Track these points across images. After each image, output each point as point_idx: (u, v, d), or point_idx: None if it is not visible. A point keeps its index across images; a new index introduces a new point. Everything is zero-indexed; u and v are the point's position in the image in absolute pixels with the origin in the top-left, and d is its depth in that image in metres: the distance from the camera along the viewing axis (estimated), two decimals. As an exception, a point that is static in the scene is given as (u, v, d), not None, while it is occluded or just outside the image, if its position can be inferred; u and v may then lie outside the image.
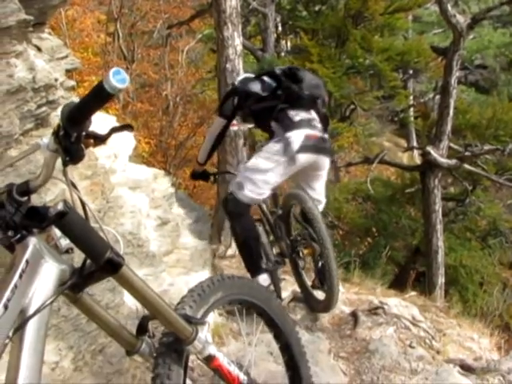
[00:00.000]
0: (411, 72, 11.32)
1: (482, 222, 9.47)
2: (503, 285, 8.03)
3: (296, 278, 3.45)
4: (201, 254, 3.46)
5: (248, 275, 3.04)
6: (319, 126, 3.10)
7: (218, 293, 1.54)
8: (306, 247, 3.21)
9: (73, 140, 1.13)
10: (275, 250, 3.35)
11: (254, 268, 3.04)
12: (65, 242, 1.21)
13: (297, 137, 2.95)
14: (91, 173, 2.45)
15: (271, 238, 3.40)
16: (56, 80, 2.38)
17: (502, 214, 9.48)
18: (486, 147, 8.02)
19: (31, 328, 1.06)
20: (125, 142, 3.42)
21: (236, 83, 3.45)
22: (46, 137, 1.18)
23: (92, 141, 1.20)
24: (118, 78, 1.05)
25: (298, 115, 3.04)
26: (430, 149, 7.70)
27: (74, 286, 1.20)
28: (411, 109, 13.50)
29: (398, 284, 7.44)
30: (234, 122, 3.49)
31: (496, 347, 3.61)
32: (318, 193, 3.23)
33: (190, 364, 1.47)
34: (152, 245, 2.89)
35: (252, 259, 3.07)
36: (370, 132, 10.82)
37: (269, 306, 1.72)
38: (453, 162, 7.88)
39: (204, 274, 3.08)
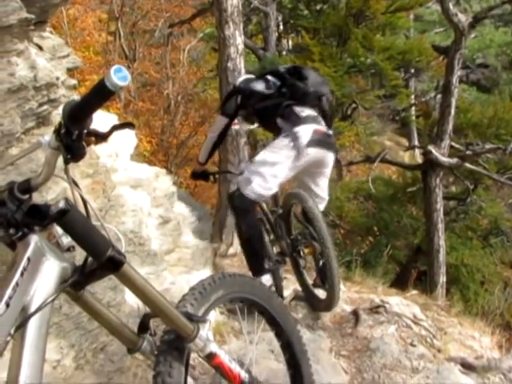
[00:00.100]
0: (413, 71, 11.29)
1: (483, 221, 9.44)
2: (504, 284, 7.99)
3: (297, 277, 3.44)
4: (202, 252, 3.46)
5: (249, 273, 3.03)
6: (323, 122, 3.10)
7: (220, 291, 1.54)
8: (306, 246, 3.20)
9: (74, 138, 1.13)
10: (276, 249, 3.35)
11: (256, 267, 3.02)
12: (66, 240, 1.21)
13: (305, 131, 2.95)
14: (92, 171, 2.45)
15: (271, 237, 3.40)
16: (57, 79, 2.38)
17: (503, 213, 9.45)
18: (488, 146, 7.98)
19: (33, 326, 1.07)
20: (126, 140, 3.42)
21: (237, 84, 3.45)
22: (47, 135, 1.18)
23: (93, 138, 1.21)
24: (120, 76, 1.05)
25: (303, 111, 3.05)
26: (431, 148, 7.68)
27: (75, 283, 1.20)
28: (412, 108, 13.46)
29: (400, 283, 7.43)
30: (236, 121, 3.49)
31: (497, 346, 3.61)
32: (321, 189, 3.23)
33: (191, 362, 1.47)
34: (153, 243, 2.90)
35: (255, 258, 3.05)
36: (371, 131, 10.81)
37: (270, 305, 1.72)
38: (454, 160, 7.85)
39: (205, 273, 3.08)
